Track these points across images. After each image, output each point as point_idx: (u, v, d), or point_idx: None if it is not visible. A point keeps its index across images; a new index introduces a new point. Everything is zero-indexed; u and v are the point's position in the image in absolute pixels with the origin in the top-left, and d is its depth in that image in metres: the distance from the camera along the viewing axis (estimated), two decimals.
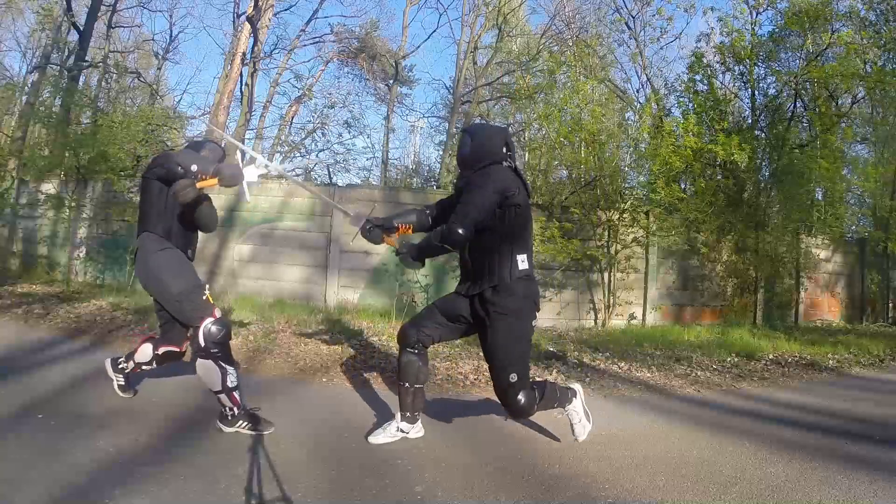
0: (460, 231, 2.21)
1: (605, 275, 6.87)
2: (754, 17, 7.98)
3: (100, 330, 4.58)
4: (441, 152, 15.27)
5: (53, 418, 2.56)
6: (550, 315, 6.76)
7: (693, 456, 2.56)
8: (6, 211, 7.35)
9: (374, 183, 13.55)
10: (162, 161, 2.56)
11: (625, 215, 6.83)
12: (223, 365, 2.48)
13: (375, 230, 2.57)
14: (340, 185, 8.08)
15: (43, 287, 6.30)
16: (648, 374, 4.37)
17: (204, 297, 2.54)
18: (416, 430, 2.62)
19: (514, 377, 2.28)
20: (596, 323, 6.88)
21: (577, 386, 2.73)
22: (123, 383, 2.90)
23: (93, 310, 5.22)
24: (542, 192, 8.32)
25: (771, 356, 5.19)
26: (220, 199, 6.88)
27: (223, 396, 2.50)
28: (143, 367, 2.80)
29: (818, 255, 8.46)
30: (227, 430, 2.54)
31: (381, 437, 2.56)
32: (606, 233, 6.93)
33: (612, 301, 6.83)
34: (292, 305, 6.01)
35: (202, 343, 2.44)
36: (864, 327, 7.95)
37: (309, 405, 3.17)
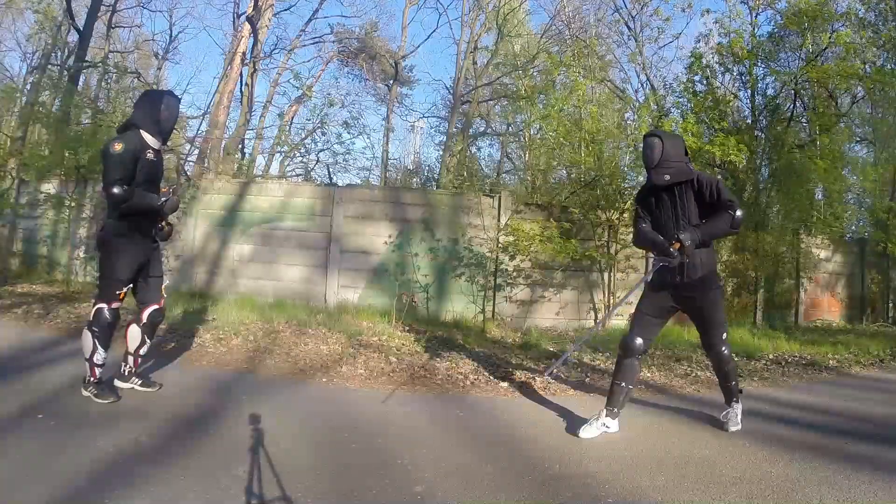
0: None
1: (605, 275, 6.86)
2: (753, 17, 7.99)
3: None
4: (441, 152, 15.27)
5: (53, 418, 2.56)
6: (550, 315, 6.76)
7: (693, 456, 2.56)
8: (6, 211, 7.33)
9: (374, 183, 13.52)
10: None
11: (624, 215, 6.83)
12: (97, 344, 2.87)
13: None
14: (340, 185, 8.05)
15: (43, 287, 6.29)
16: (648, 374, 4.37)
17: (118, 292, 2.90)
18: (616, 427, 2.86)
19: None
20: (596, 323, 6.87)
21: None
22: (140, 382, 3.11)
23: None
24: (542, 192, 8.32)
25: (771, 356, 5.19)
26: (220, 198, 6.94)
27: (87, 365, 2.91)
28: (141, 353, 3.09)
29: (818, 255, 8.44)
30: (83, 392, 2.91)
31: (589, 432, 2.77)
32: (606, 233, 6.92)
33: (612, 301, 6.83)
34: (292, 305, 6.00)
35: (90, 318, 2.90)
36: (864, 327, 7.93)
37: (309, 405, 3.17)
